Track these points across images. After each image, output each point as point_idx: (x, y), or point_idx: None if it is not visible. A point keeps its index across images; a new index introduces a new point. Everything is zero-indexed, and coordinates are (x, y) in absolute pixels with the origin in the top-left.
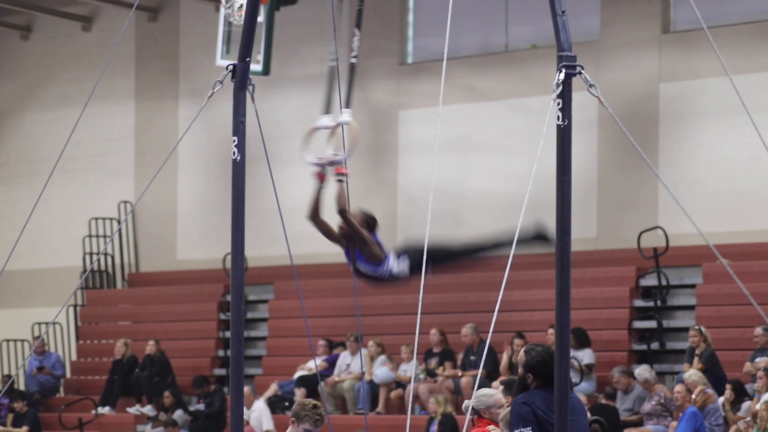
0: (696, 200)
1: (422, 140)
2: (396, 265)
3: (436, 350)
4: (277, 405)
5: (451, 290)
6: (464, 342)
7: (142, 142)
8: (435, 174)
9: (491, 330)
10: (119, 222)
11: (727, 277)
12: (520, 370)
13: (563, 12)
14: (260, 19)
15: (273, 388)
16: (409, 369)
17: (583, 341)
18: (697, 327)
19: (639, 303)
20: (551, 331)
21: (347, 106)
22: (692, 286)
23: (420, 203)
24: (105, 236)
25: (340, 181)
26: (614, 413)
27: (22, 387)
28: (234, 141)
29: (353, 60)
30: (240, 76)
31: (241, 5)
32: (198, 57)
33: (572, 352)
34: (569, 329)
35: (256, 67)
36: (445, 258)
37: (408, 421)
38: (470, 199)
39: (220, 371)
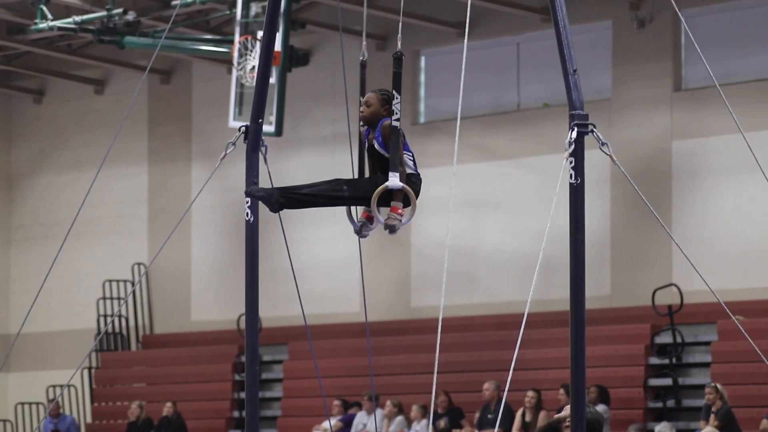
0: (710, 257)
1: (435, 199)
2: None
3: (441, 411)
4: None
5: (465, 349)
6: (483, 399)
7: (156, 204)
8: (450, 233)
9: (507, 388)
10: (133, 284)
11: (742, 334)
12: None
13: (575, 71)
14: (272, 80)
15: None
16: (421, 428)
17: (603, 398)
18: (713, 384)
19: (654, 360)
20: (562, 391)
21: (395, 169)
22: (707, 343)
23: (433, 262)
24: (119, 298)
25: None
26: None
27: None
28: (247, 202)
29: (396, 123)
30: (252, 137)
31: (253, 67)
32: (211, 119)
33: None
34: (584, 387)
35: (268, 128)
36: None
37: None
38: (484, 258)
39: None
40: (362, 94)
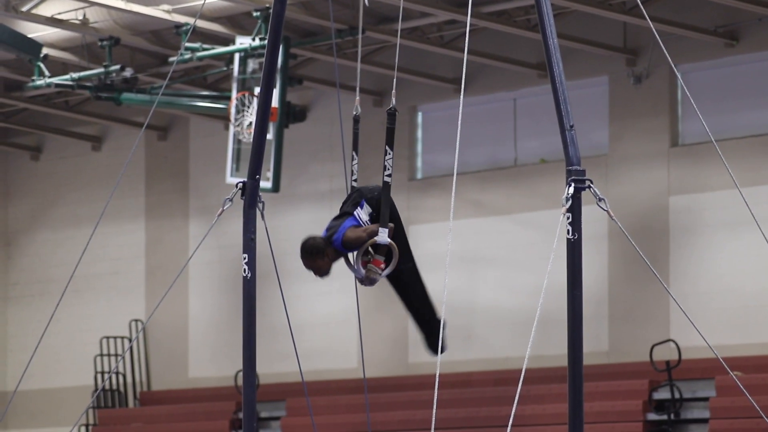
0: (708, 312)
1: (432, 255)
2: (363, 213)
3: None
4: None
5: (462, 405)
6: None
7: (153, 261)
8: (446, 289)
9: None
10: (130, 340)
11: (740, 390)
12: None
13: (572, 126)
14: (269, 136)
15: None
16: None
17: None
18: None
19: (652, 416)
20: None
21: (384, 225)
22: (706, 399)
23: None
24: (116, 355)
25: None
26: None
27: None
28: (244, 258)
29: (387, 179)
30: (250, 193)
31: (250, 123)
32: (208, 175)
33: None
34: None
35: (265, 184)
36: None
37: None
38: (481, 314)
39: None
40: (355, 149)
